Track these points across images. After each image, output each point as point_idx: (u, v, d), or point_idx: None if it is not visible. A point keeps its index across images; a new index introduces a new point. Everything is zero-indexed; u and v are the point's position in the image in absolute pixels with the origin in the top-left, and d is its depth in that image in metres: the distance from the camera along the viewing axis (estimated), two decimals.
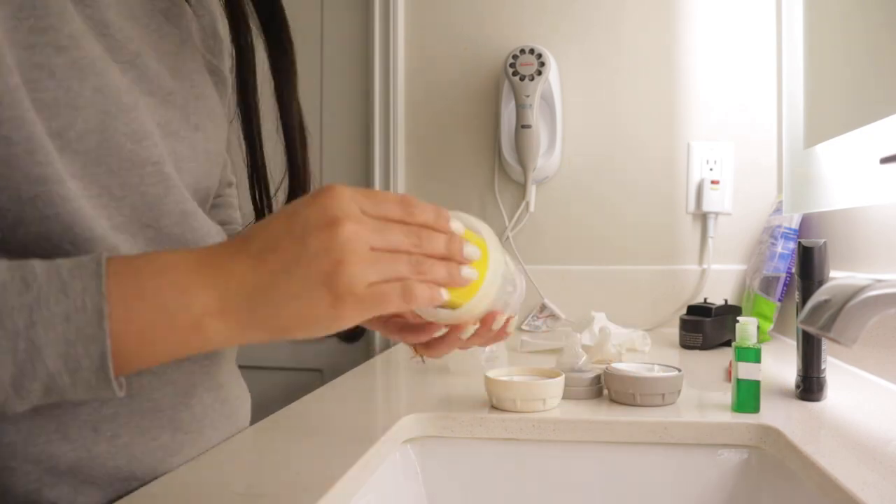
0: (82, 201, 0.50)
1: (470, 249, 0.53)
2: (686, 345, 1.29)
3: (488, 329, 0.59)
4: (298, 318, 0.46)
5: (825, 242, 0.86)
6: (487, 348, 1.05)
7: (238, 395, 0.70)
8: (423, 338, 0.60)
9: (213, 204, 0.78)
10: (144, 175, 0.55)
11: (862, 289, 0.57)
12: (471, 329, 0.58)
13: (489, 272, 0.55)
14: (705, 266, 1.52)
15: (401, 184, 1.63)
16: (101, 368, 0.43)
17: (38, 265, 0.43)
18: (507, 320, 0.60)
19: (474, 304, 0.55)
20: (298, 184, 0.70)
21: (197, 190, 0.65)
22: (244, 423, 0.72)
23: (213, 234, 0.63)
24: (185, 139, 0.62)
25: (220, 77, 0.73)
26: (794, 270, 1.07)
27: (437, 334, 0.60)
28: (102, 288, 0.43)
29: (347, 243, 0.46)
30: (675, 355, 1.23)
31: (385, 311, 0.48)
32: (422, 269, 0.50)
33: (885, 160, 0.88)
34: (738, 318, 0.82)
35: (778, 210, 1.42)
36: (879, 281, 0.58)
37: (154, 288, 0.44)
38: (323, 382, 0.98)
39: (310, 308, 0.46)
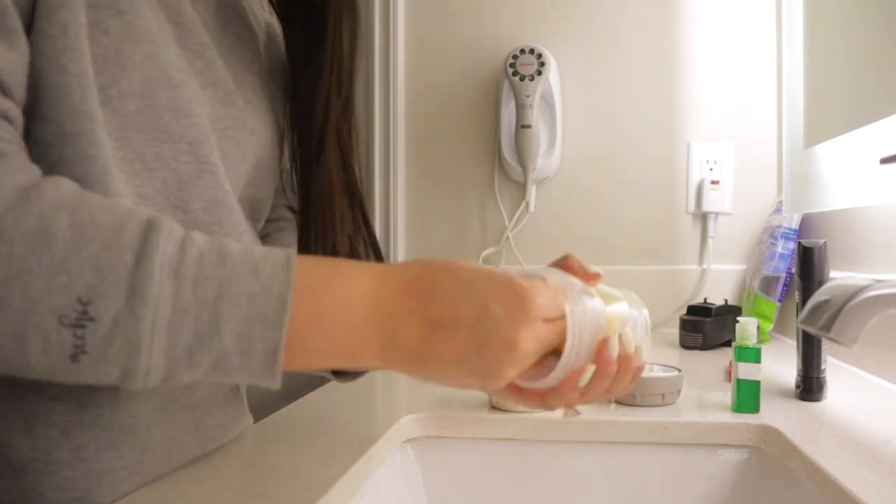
0: (113, 160, 0.50)
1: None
2: (686, 345, 1.29)
3: (607, 363, 0.53)
4: (444, 383, 0.50)
5: (825, 242, 0.86)
6: None
7: (220, 424, 0.65)
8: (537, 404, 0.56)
9: (278, 228, 0.78)
10: (178, 152, 0.55)
11: (862, 289, 0.57)
12: (589, 371, 0.52)
13: (568, 319, 0.51)
14: (705, 266, 1.52)
15: (401, 184, 1.63)
16: (273, 354, 0.43)
17: (232, 243, 0.45)
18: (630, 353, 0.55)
19: (566, 356, 0.51)
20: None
21: (244, 196, 0.64)
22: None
23: (245, 238, 0.62)
24: (233, 138, 0.62)
25: (279, 106, 0.72)
26: (794, 270, 1.07)
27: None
28: (290, 278, 0.43)
29: (518, 361, 0.48)
30: (675, 355, 1.23)
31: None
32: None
33: (885, 160, 0.88)
34: (738, 318, 0.82)
35: (778, 210, 1.42)
36: (879, 281, 0.58)
37: (327, 316, 0.45)
38: (323, 382, 0.98)
39: (457, 384, 0.50)
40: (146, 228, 0.42)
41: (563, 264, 0.57)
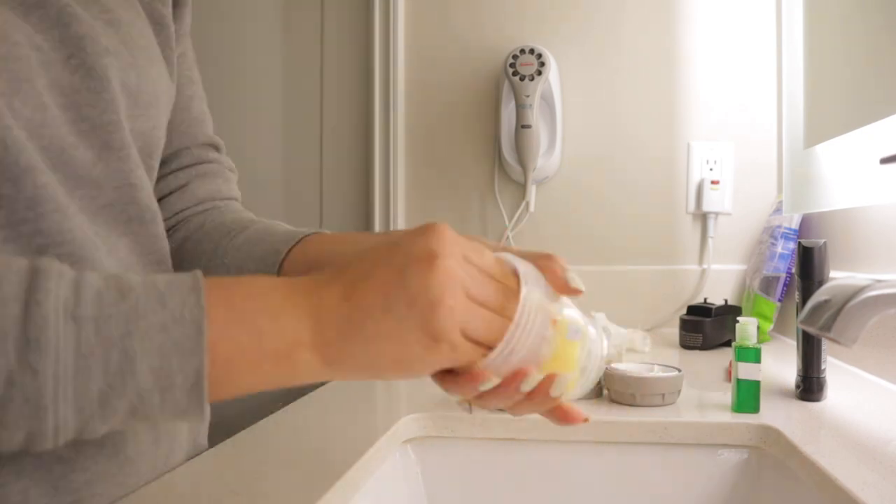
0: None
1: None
2: (686, 345, 1.29)
3: (511, 389, 0.46)
4: (391, 359, 0.44)
5: (825, 242, 0.86)
6: None
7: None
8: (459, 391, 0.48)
9: (199, 173, 0.73)
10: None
11: (862, 289, 0.57)
12: (490, 382, 0.46)
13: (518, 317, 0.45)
14: (705, 266, 1.52)
15: (401, 184, 1.63)
16: (196, 386, 0.39)
17: (132, 277, 0.41)
18: (549, 381, 0.47)
19: (498, 354, 0.45)
20: None
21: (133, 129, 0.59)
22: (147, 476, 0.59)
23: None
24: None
25: (162, 25, 0.66)
26: (794, 270, 1.07)
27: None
28: (202, 301, 0.40)
29: (446, 281, 0.42)
30: (675, 355, 1.23)
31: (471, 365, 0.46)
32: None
33: (885, 160, 0.88)
34: (738, 318, 0.82)
35: (778, 210, 1.42)
36: (879, 281, 0.58)
37: (247, 311, 0.42)
38: (323, 382, 0.98)
39: (403, 350, 0.43)
40: (29, 274, 0.37)
41: (542, 263, 0.50)
